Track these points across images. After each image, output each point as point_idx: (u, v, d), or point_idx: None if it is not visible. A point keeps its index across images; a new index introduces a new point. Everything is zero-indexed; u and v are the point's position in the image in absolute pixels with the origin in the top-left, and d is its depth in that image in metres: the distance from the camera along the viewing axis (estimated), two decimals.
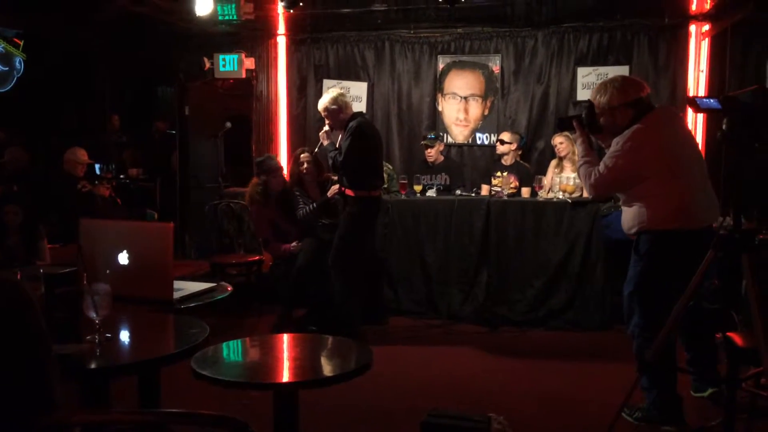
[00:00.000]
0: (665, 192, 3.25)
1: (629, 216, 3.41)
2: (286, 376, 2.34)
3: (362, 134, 4.75)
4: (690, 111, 5.76)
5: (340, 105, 4.83)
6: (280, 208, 5.46)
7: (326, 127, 4.94)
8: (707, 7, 6.24)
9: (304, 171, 5.34)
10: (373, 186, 4.87)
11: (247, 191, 5.71)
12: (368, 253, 5.12)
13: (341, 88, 6.14)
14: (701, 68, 6.43)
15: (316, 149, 5.19)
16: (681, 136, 3.46)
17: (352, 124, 4.77)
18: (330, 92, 5.00)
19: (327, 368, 2.49)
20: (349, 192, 4.80)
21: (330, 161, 4.93)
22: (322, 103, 4.90)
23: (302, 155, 5.41)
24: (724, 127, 2.50)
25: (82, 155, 6.17)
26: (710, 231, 3.12)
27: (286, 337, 2.88)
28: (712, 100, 2.56)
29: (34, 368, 1.50)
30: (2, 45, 6.89)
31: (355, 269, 4.84)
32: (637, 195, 3.34)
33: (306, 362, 2.50)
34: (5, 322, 1.49)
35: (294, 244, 5.30)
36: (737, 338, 2.84)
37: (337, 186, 5.01)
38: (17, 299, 1.53)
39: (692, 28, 6.44)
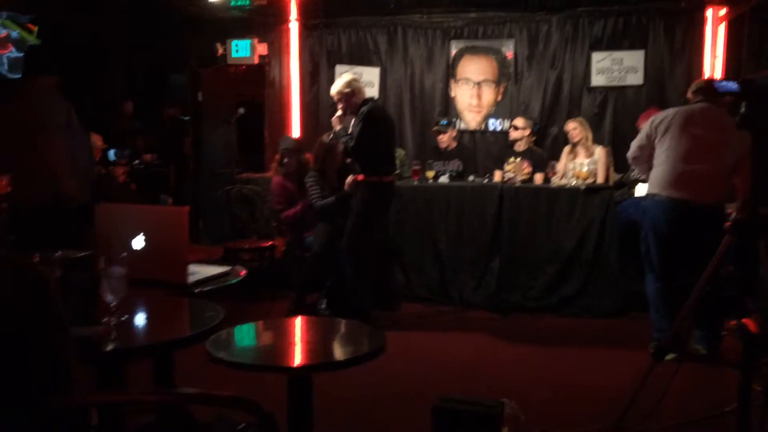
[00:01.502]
0: (662, 162, 4.05)
1: None
2: (300, 360, 2.35)
3: (374, 119, 4.74)
4: None
5: (354, 89, 4.83)
6: (301, 186, 5.40)
7: (339, 112, 4.93)
8: None
9: (330, 162, 5.28)
10: (385, 171, 4.87)
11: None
12: (381, 238, 5.12)
13: (354, 74, 6.11)
14: (717, 53, 6.35)
15: (331, 134, 5.16)
16: (705, 128, 3.92)
17: (363, 109, 4.76)
18: (344, 76, 4.98)
19: (340, 352, 2.50)
20: (360, 177, 4.80)
21: (342, 146, 4.92)
22: (336, 86, 4.89)
23: (337, 147, 5.23)
24: (742, 110, 2.47)
25: (97, 140, 6.19)
26: (699, 205, 3.91)
27: (299, 321, 2.90)
28: (730, 83, 2.53)
29: (51, 349, 1.51)
30: (17, 31, 6.91)
31: (367, 254, 4.85)
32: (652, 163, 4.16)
33: (319, 346, 2.51)
34: (23, 304, 1.51)
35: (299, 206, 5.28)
36: (752, 325, 2.82)
37: (352, 177, 4.96)
38: (34, 282, 1.55)
39: (709, 12, 6.35)
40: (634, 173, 5.67)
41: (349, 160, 5.15)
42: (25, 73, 4.04)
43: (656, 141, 4.10)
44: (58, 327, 1.54)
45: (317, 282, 5.20)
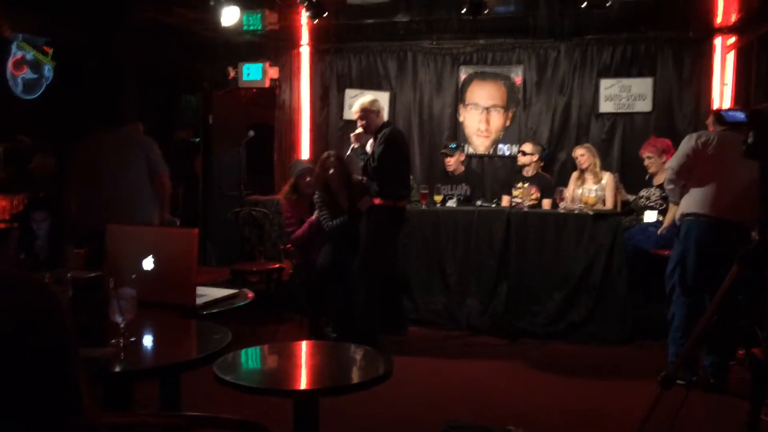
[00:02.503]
0: (705, 183, 4.11)
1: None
2: (306, 384, 2.35)
3: (395, 143, 4.78)
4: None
5: (378, 109, 4.88)
6: (311, 209, 5.34)
7: (359, 129, 4.94)
8: (733, 20, 6.19)
9: (331, 177, 5.19)
10: (401, 196, 4.90)
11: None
12: (390, 262, 5.11)
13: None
14: (726, 81, 6.38)
15: (348, 152, 5.13)
16: (735, 151, 3.89)
17: (385, 131, 4.79)
18: (366, 96, 5.01)
19: (347, 376, 2.50)
20: (376, 200, 4.81)
21: (361, 164, 4.90)
22: (361, 102, 4.90)
23: (328, 161, 5.12)
24: (749, 140, 2.48)
25: None
26: (737, 224, 4.00)
27: (306, 345, 2.90)
28: (738, 113, 2.54)
29: (63, 370, 1.52)
30: (32, 53, 7.02)
31: (379, 278, 4.85)
32: (687, 185, 4.24)
33: (326, 370, 2.51)
34: (35, 323, 1.53)
35: (314, 215, 5.20)
36: (761, 354, 2.80)
37: (369, 198, 4.91)
38: (46, 302, 1.56)
39: (717, 41, 6.39)
40: (641, 198, 5.67)
41: (363, 178, 5.06)
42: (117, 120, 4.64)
43: (702, 159, 4.13)
44: (69, 347, 1.55)
45: (324, 304, 5.19)
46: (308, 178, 5.37)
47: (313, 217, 5.23)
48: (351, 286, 4.90)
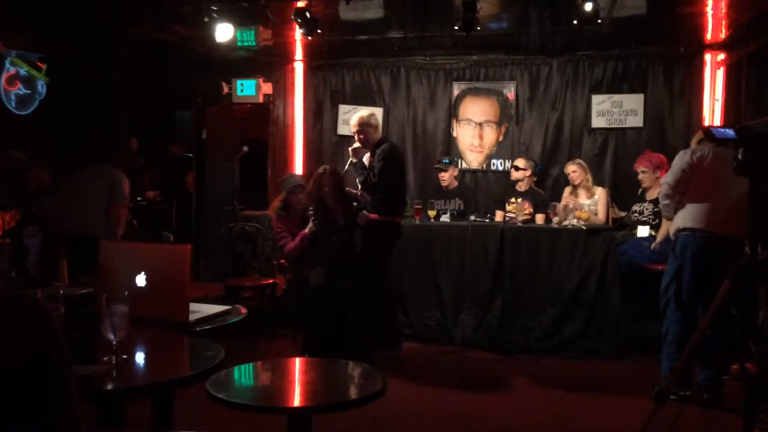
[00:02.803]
0: (702, 198, 4.11)
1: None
2: (300, 401, 2.34)
3: (395, 158, 4.80)
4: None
5: (376, 123, 4.90)
6: (302, 225, 5.28)
7: (356, 144, 4.95)
8: (722, 36, 6.26)
9: (326, 194, 5.05)
10: (398, 212, 4.90)
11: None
12: (386, 277, 5.11)
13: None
14: (716, 97, 6.43)
15: (347, 166, 5.12)
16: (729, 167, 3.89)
17: (384, 146, 4.80)
18: (363, 110, 5.02)
19: (341, 393, 2.49)
20: (373, 216, 4.81)
21: (360, 178, 4.89)
22: (360, 116, 4.89)
23: (324, 177, 5.00)
24: (739, 156, 2.50)
25: None
26: (733, 238, 3.94)
27: (300, 362, 2.89)
28: (727, 130, 2.57)
29: (56, 387, 1.51)
30: (25, 68, 7.02)
31: (375, 293, 4.85)
32: (682, 200, 4.23)
33: (319, 387, 2.50)
34: (27, 340, 1.52)
35: (307, 229, 5.13)
36: (753, 368, 2.81)
37: (367, 214, 4.88)
38: (39, 318, 1.55)
39: (707, 57, 6.46)
40: (638, 213, 5.70)
41: (360, 192, 5.02)
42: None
43: (697, 174, 4.14)
44: (62, 365, 1.54)
45: (318, 320, 5.17)
46: (300, 195, 5.33)
47: (306, 230, 5.19)
48: (345, 303, 4.88)
